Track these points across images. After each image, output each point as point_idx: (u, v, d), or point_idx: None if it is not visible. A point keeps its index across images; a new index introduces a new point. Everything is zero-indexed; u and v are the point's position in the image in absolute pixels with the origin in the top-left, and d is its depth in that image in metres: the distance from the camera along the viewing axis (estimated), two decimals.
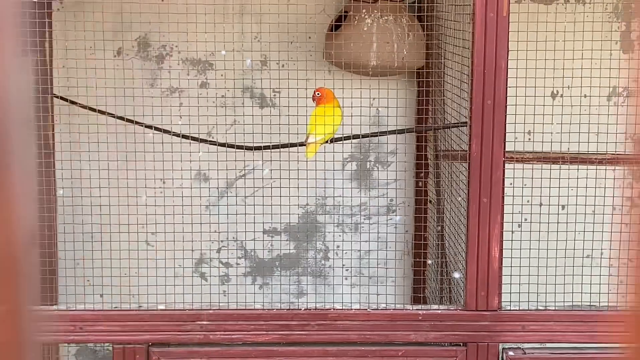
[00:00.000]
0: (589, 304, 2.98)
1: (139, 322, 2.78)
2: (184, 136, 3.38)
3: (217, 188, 3.82)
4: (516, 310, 2.82)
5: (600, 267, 3.32)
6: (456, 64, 3.19)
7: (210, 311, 2.82)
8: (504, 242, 2.78)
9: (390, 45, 3.41)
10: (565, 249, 3.18)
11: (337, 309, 2.84)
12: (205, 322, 2.79)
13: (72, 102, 3.51)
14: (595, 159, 3.40)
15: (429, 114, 3.78)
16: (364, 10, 3.43)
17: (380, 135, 3.64)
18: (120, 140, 3.38)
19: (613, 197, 3.39)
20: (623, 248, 3.39)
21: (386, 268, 3.71)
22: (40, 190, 3.56)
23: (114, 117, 3.40)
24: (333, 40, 3.49)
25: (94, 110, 3.42)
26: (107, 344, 3.06)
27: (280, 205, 3.28)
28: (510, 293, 2.92)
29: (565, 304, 2.91)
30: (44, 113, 3.57)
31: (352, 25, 3.47)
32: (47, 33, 3.60)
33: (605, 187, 3.37)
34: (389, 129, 3.60)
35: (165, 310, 2.83)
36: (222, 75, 3.71)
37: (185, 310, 2.84)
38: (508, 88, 2.72)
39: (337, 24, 3.57)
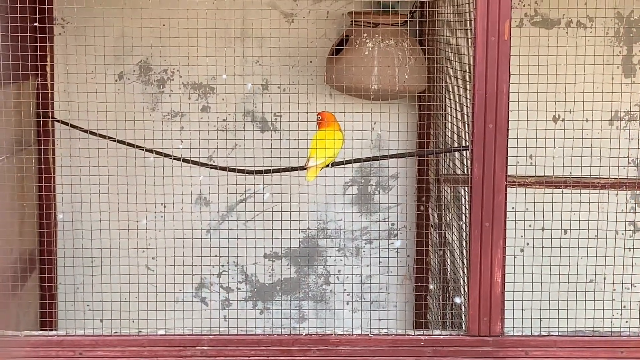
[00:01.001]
0: (592, 329, 2.96)
1: (139, 348, 2.76)
2: (185, 160, 3.37)
3: (218, 212, 3.81)
4: (519, 335, 2.80)
5: (604, 292, 3.30)
6: (457, 87, 3.19)
7: (211, 336, 2.80)
8: (506, 266, 2.76)
9: (392, 69, 3.40)
10: (568, 274, 3.16)
11: (338, 335, 2.81)
12: (205, 348, 2.77)
13: (73, 126, 3.51)
14: (598, 183, 3.38)
15: (430, 137, 3.77)
16: (365, 35, 3.44)
17: (381, 159, 3.63)
18: (120, 165, 3.37)
19: (616, 221, 3.38)
20: (626, 273, 3.37)
21: (387, 293, 3.69)
22: (40, 215, 3.55)
23: (115, 141, 3.40)
24: (334, 64, 3.49)
25: (94, 134, 3.41)
26: None
27: (281, 229, 3.26)
28: (513, 318, 2.89)
29: (568, 330, 2.89)
30: (45, 137, 3.56)
31: (353, 49, 3.46)
32: (48, 57, 3.60)
33: (607, 212, 3.35)
34: (390, 153, 3.59)
35: (165, 335, 2.80)
36: (223, 99, 3.71)
37: (186, 335, 2.81)
38: (509, 112, 2.71)
39: (339, 47, 3.57)
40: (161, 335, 2.80)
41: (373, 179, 3.87)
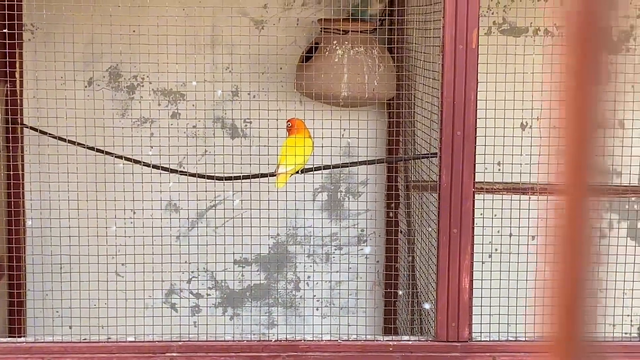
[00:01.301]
0: None
1: (108, 354, 2.74)
2: (155, 166, 3.36)
3: (188, 218, 3.79)
4: (487, 341, 2.81)
5: None
6: (426, 95, 3.20)
7: (180, 343, 2.79)
8: (474, 272, 2.78)
9: (361, 77, 3.41)
10: (536, 280, 3.18)
11: (307, 340, 2.81)
12: (175, 354, 2.75)
13: (42, 132, 3.48)
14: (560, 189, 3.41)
15: (399, 144, 3.78)
16: (334, 42, 3.44)
17: (351, 166, 3.64)
18: (90, 171, 3.35)
19: (583, 227, 3.41)
20: (592, 278, 3.38)
21: (357, 299, 3.69)
22: (9, 221, 3.52)
23: (85, 147, 3.38)
24: (304, 72, 3.49)
25: (64, 140, 3.39)
26: None
27: (251, 235, 3.26)
28: (481, 324, 2.91)
29: (535, 335, 2.91)
30: (14, 143, 3.53)
31: (323, 57, 3.47)
32: (17, 63, 3.58)
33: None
34: (359, 160, 3.60)
35: (134, 342, 2.78)
36: (193, 105, 3.70)
37: (155, 341, 2.80)
38: (477, 119, 2.73)
39: (308, 55, 3.57)
40: (130, 341, 2.78)
41: (342, 186, 3.88)
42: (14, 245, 3.53)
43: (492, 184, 3.37)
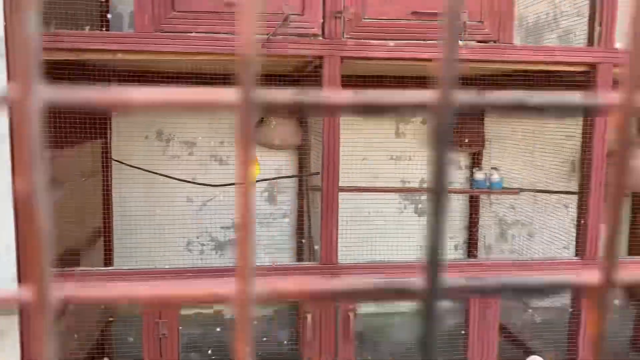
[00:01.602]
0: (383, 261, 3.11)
1: (153, 275, 2.74)
2: (181, 180, 3.42)
3: (198, 205, 3.83)
4: (346, 263, 2.90)
5: (388, 242, 3.45)
6: (316, 143, 3.31)
7: (193, 269, 2.80)
8: (339, 229, 2.87)
9: (285, 135, 3.51)
10: (372, 230, 3.28)
11: (257, 266, 2.84)
12: (190, 274, 2.76)
13: (120, 162, 3.49)
14: (381, 189, 3.57)
15: (303, 167, 3.87)
16: (271, 118, 3.54)
17: (280, 178, 3.73)
18: (147, 182, 3.37)
19: (389, 206, 3.54)
20: (402, 229, 3.52)
21: (283, 244, 3.76)
22: (104, 205, 3.51)
23: (144, 170, 3.41)
24: (257, 132, 3.57)
25: (132, 166, 3.41)
26: None
27: (229, 213, 3.32)
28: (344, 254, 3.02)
29: (368, 259, 3.02)
30: (107, 168, 3.53)
31: (266, 124, 3.56)
32: (108, 126, 3.58)
33: (388, 202, 3.54)
34: (285, 175, 3.70)
35: (169, 269, 2.80)
36: (200, 149, 3.75)
37: (179, 269, 2.79)
38: (341, 157, 2.84)
39: (259, 123, 3.66)
40: (167, 269, 2.79)
41: (275, 188, 3.95)
42: (105, 217, 3.52)
43: (347, 187, 3.51)
